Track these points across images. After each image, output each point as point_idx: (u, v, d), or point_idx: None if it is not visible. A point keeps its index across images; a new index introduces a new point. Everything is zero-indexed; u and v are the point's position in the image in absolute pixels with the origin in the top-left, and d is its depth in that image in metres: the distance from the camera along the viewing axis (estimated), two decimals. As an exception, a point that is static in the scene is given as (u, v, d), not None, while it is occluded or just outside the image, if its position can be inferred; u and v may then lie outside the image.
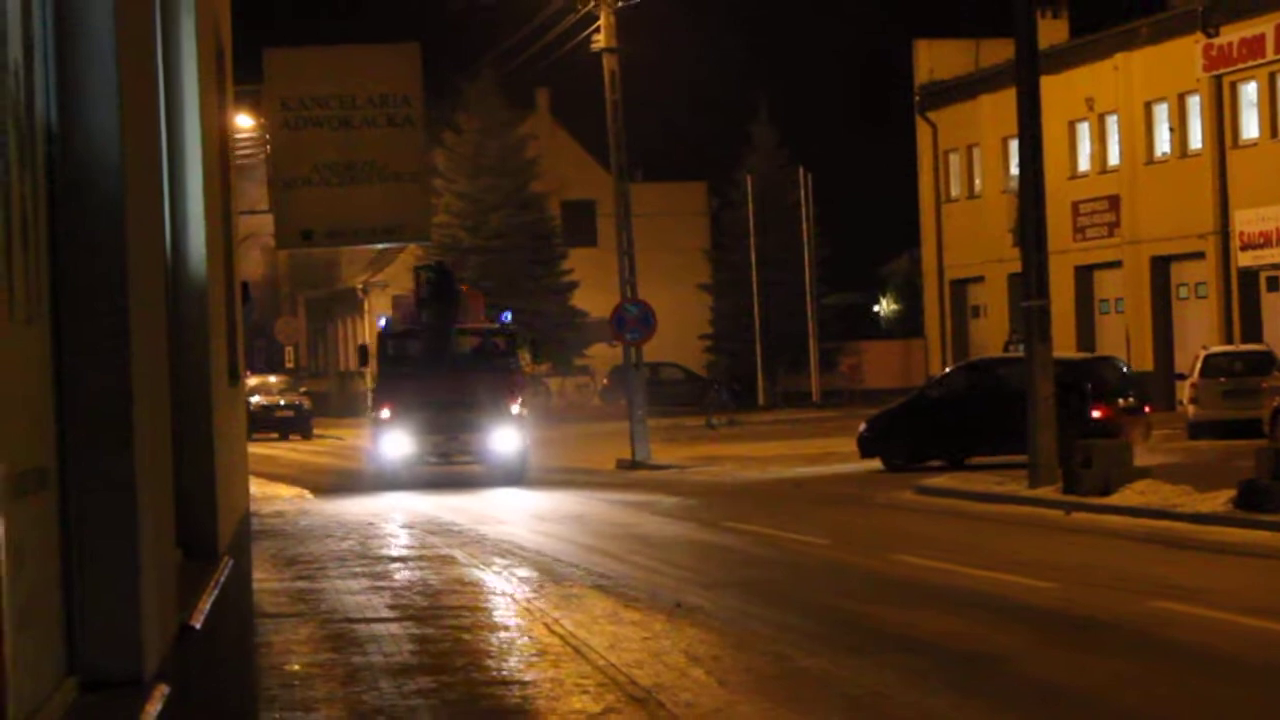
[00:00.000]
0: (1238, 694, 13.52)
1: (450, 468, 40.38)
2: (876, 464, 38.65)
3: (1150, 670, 14.53)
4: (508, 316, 41.63)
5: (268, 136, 22.06)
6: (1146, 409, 38.01)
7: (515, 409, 38.59)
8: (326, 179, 18.72)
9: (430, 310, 39.63)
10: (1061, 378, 38.49)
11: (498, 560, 24.01)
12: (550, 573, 22.44)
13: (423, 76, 19.38)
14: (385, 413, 38.68)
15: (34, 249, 5.37)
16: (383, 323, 40.91)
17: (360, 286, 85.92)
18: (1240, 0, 51.58)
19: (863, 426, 40.44)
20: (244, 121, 46.38)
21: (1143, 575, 20.30)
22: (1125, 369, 39.72)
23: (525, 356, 41.63)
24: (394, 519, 31.55)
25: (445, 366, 38.78)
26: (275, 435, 64.71)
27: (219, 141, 11.23)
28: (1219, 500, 25.64)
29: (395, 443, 38.57)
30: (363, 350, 44.10)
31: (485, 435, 38.36)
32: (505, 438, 38.42)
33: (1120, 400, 36.74)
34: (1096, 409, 36.14)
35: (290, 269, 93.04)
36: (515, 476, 38.57)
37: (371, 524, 30.34)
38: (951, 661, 15.21)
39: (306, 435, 66.46)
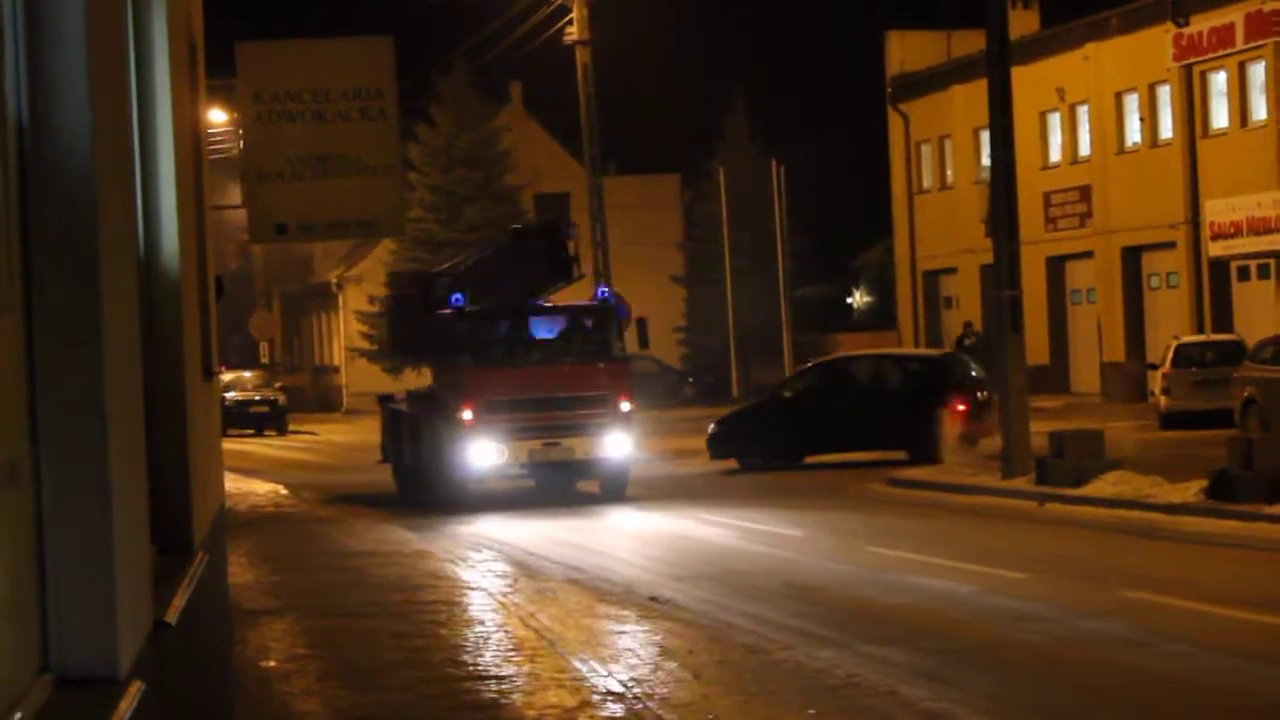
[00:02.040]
0: (1212, 680, 13.55)
1: (529, 479, 33.43)
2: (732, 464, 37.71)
3: (1125, 658, 14.55)
4: (606, 291, 34.29)
5: (240, 130, 22.00)
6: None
7: (625, 406, 31.56)
8: (300, 172, 18.67)
9: (525, 280, 32.70)
10: (927, 373, 38.65)
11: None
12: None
13: (396, 70, 19.36)
14: (467, 414, 30.84)
15: (5, 242, 5.35)
16: (457, 299, 31.49)
17: (334, 281, 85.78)
18: (1210, -10, 51.70)
19: (712, 426, 38.98)
20: (217, 116, 46.28)
21: (1115, 566, 20.34)
22: (973, 367, 39.67)
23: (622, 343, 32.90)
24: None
25: (536, 354, 31.75)
26: (250, 431, 64.62)
27: (192, 136, 11.19)
28: (1191, 490, 25.67)
29: (479, 451, 30.92)
30: (410, 325, 34.09)
31: (592, 439, 31.26)
32: (616, 442, 31.35)
33: (978, 395, 36.94)
34: (962, 402, 36.35)
35: (265, 263, 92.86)
36: (619, 488, 31.95)
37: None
38: (926, 652, 15.23)
39: (282, 431, 66.38)
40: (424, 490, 32.58)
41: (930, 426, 35.26)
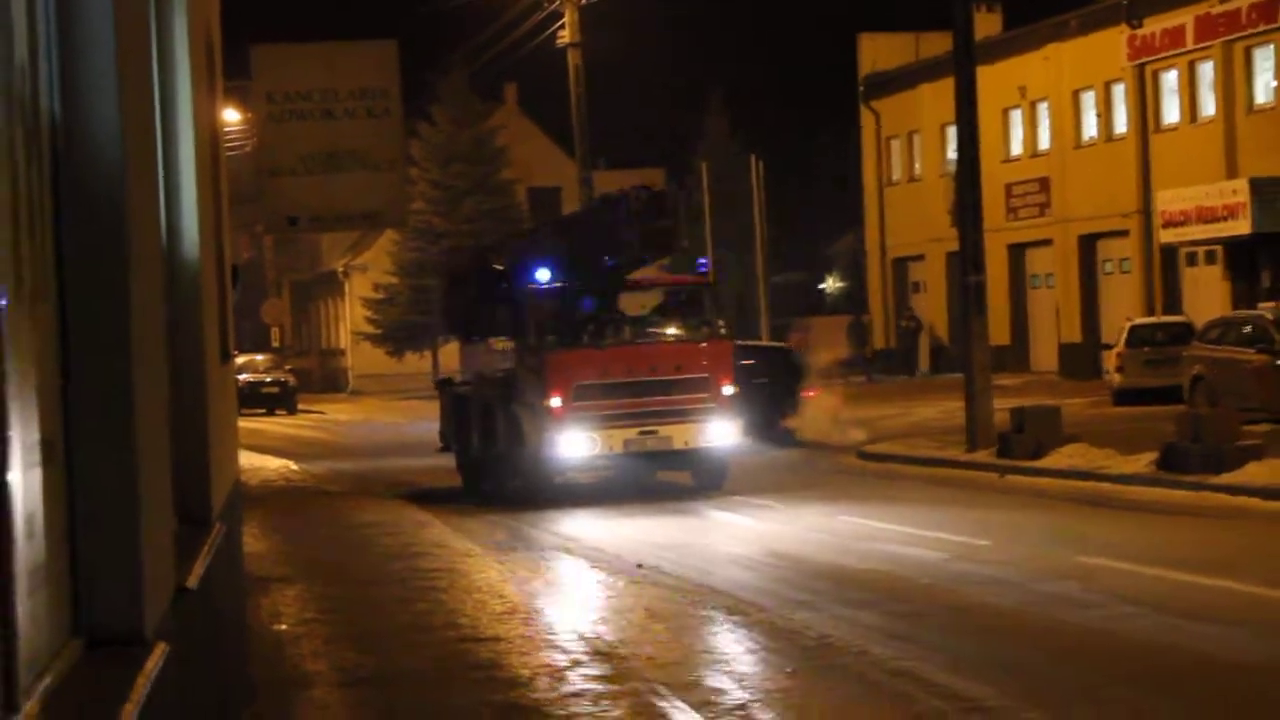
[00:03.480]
0: (1161, 638, 13.62)
1: (608, 470, 28.20)
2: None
3: (1081, 618, 14.61)
4: (705, 264, 29.40)
5: (253, 129, 21.98)
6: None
7: (728, 389, 26.74)
8: (310, 168, 18.71)
9: (617, 252, 27.18)
10: (772, 363, 37.92)
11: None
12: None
13: (400, 71, 19.38)
14: (555, 400, 26.10)
15: (41, 235, 5.38)
16: (544, 276, 26.65)
17: (341, 269, 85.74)
18: (1161, -6, 51.74)
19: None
20: (231, 115, 46.24)
21: (1072, 533, 20.40)
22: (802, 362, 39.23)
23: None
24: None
25: (629, 333, 27.14)
26: (262, 411, 64.52)
27: (210, 134, 11.22)
28: (1142, 462, 25.75)
29: (569, 441, 26.13)
30: (511, 313, 28.06)
31: (692, 427, 26.43)
32: (719, 431, 26.50)
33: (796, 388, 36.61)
34: (807, 392, 36.26)
35: (275, 253, 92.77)
36: (717, 481, 27.35)
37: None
38: (896, 615, 15.29)
39: (291, 410, 66.33)
40: (498, 483, 28.25)
41: (793, 406, 35.43)
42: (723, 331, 27.50)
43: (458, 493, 29.16)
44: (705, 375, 26.52)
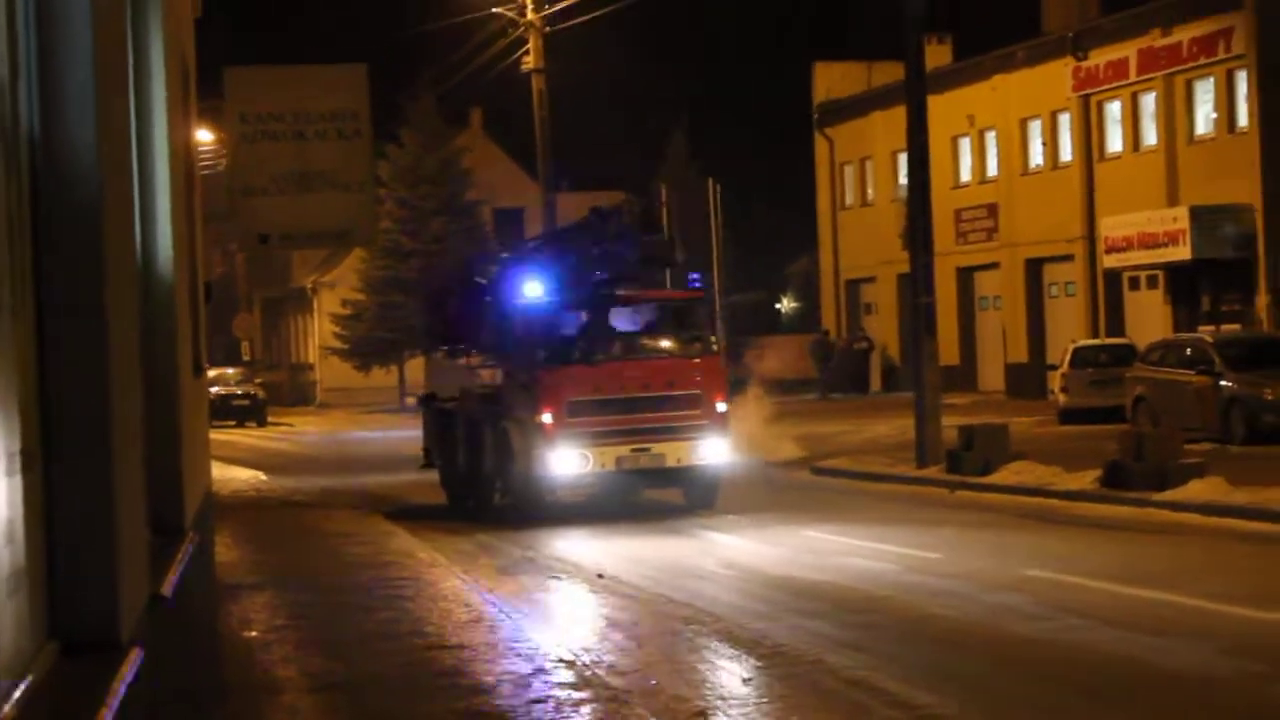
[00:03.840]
0: (1105, 649, 13.65)
1: (592, 488, 26.84)
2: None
3: (1028, 629, 14.63)
4: (698, 279, 27.37)
5: (226, 149, 21.93)
6: None
7: (722, 406, 25.66)
8: (282, 188, 18.66)
9: (609, 266, 26.11)
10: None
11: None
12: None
13: (369, 95, 19.33)
14: (546, 416, 24.85)
15: (19, 249, 5.35)
16: (534, 291, 25.58)
17: (310, 286, 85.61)
18: (1106, 27, 51.91)
19: None
20: (204, 135, 46.10)
21: (1019, 547, 20.43)
22: None
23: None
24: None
25: (622, 349, 25.87)
26: (233, 423, 64.38)
27: (185, 153, 11.18)
28: (1087, 479, 25.81)
29: (560, 458, 24.87)
30: (498, 328, 26.67)
31: (686, 444, 25.19)
32: (712, 448, 25.33)
33: None
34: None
35: (247, 269, 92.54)
36: (708, 499, 26.06)
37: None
38: (850, 625, 15.28)
39: (261, 423, 66.24)
40: (483, 500, 27.20)
41: None
42: (715, 347, 26.03)
43: (432, 507, 29.05)
44: (699, 391, 25.38)
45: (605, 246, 25.60)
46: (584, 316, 25.87)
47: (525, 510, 25.30)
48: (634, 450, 25.03)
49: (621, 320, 26.35)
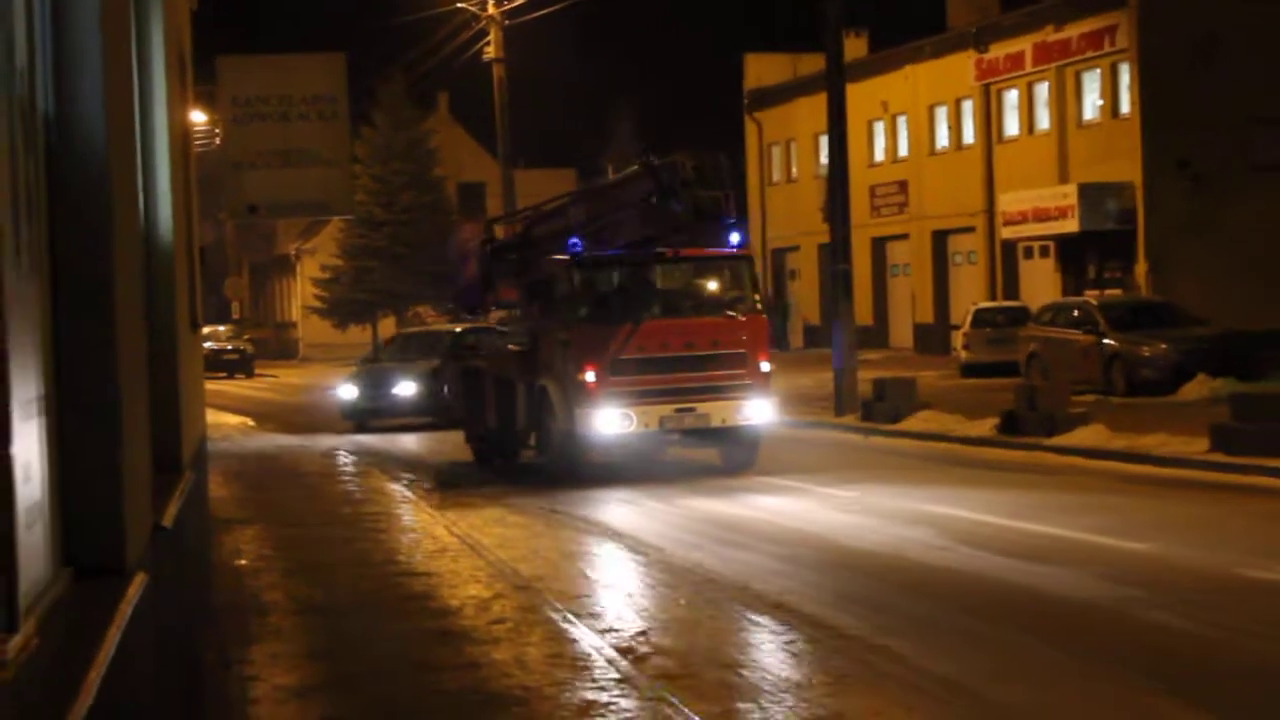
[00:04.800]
0: (998, 576, 13.76)
1: (629, 449, 24.46)
2: None
3: (929, 558, 14.74)
4: (738, 239, 23.16)
5: (218, 130, 21.81)
6: None
7: (765, 366, 22.66)
8: (269, 162, 18.59)
9: (652, 223, 22.73)
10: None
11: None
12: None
13: (347, 80, 19.31)
14: (589, 375, 22.03)
15: (36, 217, 5.36)
16: (575, 244, 22.66)
17: (293, 252, 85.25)
18: (1005, 23, 52.05)
19: None
20: (199, 116, 45.78)
21: (924, 486, 20.53)
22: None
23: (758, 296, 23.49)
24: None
25: (665, 307, 22.81)
26: (223, 374, 64.11)
27: (181, 131, 11.15)
28: (985, 426, 25.98)
29: (604, 417, 22.06)
30: (534, 287, 24.48)
31: (730, 403, 22.38)
32: (757, 408, 22.49)
33: None
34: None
35: (236, 237, 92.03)
36: (747, 460, 23.24)
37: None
38: (772, 556, 15.36)
39: (249, 374, 66.02)
40: (510, 457, 25.08)
41: None
42: (759, 306, 23.08)
43: (402, 451, 28.96)
44: (743, 351, 22.50)
45: (654, 203, 22.29)
46: (627, 273, 22.89)
47: (567, 469, 22.60)
48: (678, 410, 22.24)
49: (665, 278, 23.42)
